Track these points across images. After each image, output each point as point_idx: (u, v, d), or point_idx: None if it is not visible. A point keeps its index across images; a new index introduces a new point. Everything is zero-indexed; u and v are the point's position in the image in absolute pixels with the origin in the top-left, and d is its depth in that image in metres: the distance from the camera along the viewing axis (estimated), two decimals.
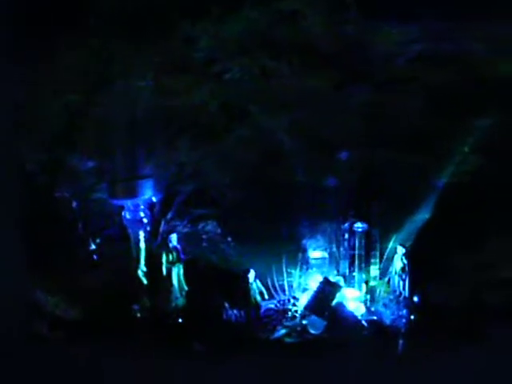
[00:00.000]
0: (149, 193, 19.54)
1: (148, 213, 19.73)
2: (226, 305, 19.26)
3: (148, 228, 19.88)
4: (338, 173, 20.33)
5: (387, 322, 19.13)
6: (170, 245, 19.37)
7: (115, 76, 18.91)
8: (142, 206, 19.55)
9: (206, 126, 19.81)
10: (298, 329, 18.78)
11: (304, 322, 18.89)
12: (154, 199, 19.75)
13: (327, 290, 19.32)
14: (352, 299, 19.65)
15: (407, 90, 19.58)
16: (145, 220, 19.60)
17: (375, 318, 19.22)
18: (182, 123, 19.81)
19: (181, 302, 19.36)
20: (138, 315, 18.94)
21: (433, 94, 19.60)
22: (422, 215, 20.30)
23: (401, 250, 19.54)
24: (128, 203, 19.49)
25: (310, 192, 20.24)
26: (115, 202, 19.47)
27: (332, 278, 20.02)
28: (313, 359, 17.34)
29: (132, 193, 19.27)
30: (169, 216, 20.31)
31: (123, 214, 19.65)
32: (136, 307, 18.83)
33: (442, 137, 19.86)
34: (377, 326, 18.90)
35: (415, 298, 19.20)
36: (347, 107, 19.62)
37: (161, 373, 16.50)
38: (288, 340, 18.45)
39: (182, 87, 19.28)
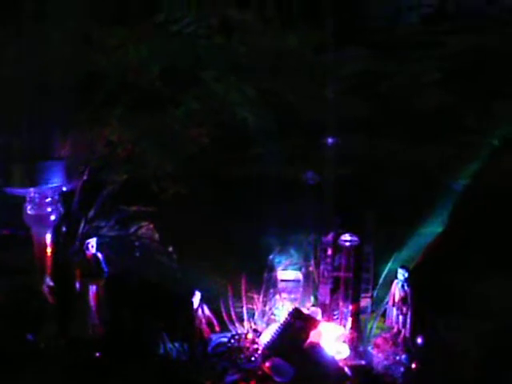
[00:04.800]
0: (57, 180, 14.87)
1: (60, 207, 15.21)
2: (164, 336, 15.00)
3: (62, 228, 15.54)
4: (319, 166, 15.84)
5: (379, 369, 14.74)
6: (88, 252, 14.90)
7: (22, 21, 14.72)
8: (50, 198, 14.98)
9: (143, 96, 15.54)
10: (259, 373, 14.36)
11: (266, 364, 14.42)
12: (64, 189, 15.22)
13: (298, 325, 14.83)
14: (332, 338, 15.13)
15: (420, 59, 15.44)
16: (53, 217, 15.00)
17: (363, 362, 14.90)
18: (111, 90, 15.48)
19: (100, 329, 15.01)
20: (41, 346, 14.59)
21: (453, 67, 15.44)
22: (432, 228, 16.01)
23: (402, 274, 15.01)
24: (31, 193, 14.94)
25: (280, 190, 15.76)
26: (11, 191, 14.83)
27: (306, 309, 15.66)
28: None
29: (32, 180, 14.60)
30: (90, 214, 15.97)
31: (25, 207, 14.98)
32: (31, 337, 14.57)
33: (463, 124, 15.70)
34: (365, 375, 14.56)
35: (419, 340, 14.78)
36: (335, 78, 15.39)
37: None
38: None
39: (112, 42, 15.18)
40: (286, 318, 15.34)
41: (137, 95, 15.60)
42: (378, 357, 15.23)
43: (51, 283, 15.22)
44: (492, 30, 15.25)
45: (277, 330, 15.27)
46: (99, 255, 15.32)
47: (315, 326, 15.24)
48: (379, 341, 15.54)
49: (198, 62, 15.44)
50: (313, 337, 15.09)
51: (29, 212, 14.97)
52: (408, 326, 15.31)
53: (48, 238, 15.09)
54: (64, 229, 15.71)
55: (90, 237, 15.58)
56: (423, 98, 15.57)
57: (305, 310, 15.84)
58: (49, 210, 14.98)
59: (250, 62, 15.30)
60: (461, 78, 15.36)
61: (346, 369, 14.70)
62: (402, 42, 15.43)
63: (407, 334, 15.35)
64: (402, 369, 14.71)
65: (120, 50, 15.31)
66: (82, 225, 15.99)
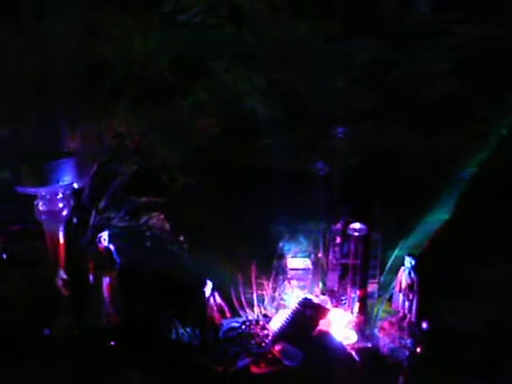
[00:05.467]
0: (68, 178, 14.62)
1: (71, 202, 14.97)
2: (176, 323, 15.19)
3: (73, 221, 15.45)
4: (329, 155, 15.78)
5: (385, 351, 15.08)
6: (100, 245, 14.98)
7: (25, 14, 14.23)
8: (61, 195, 14.71)
9: (152, 87, 15.14)
10: (269, 357, 14.65)
11: (276, 348, 14.71)
12: (75, 186, 14.94)
13: (308, 314, 15.12)
14: (341, 324, 15.38)
15: (430, 49, 14.72)
16: (64, 212, 14.86)
17: (369, 345, 15.19)
18: (119, 82, 15.08)
19: (114, 319, 15.19)
20: (56, 337, 14.77)
21: (464, 57, 14.73)
22: (440, 215, 15.81)
23: (409, 262, 15.13)
24: (41, 191, 14.78)
25: (290, 180, 15.64)
26: (22, 190, 14.59)
27: (315, 297, 15.84)
28: None
29: (43, 179, 14.37)
30: (101, 205, 15.85)
31: (36, 204, 14.85)
32: (46, 328, 14.79)
33: (473, 114, 15.26)
34: (371, 357, 14.85)
35: (424, 325, 14.92)
36: (346, 67, 14.91)
37: None
38: (255, 371, 14.35)
39: (117, 32, 14.55)
40: (296, 307, 15.61)
41: (144, 86, 15.15)
42: (384, 340, 15.46)
43: (65, 276, 15.18)
44: (504, 20, 14.96)
45: (287, 319, 15.51)
46: (111, 247, 15.34)
47: (325, 315, 15.47)
48: (385, 324, 15.78)
49: (206, 53, 14.88)
50: (322, 325, 15.32)
51: (40, 208, 14.84)
52: (414, 311, 15.45)
53: (60, 231, 14.97)
54: (75, 221, 15.58)
55: (102, 228, 15.58)
56: (433, 87, 15.07)
57: (314, 299, 16.02)
58: (60, 205, 14.82)
59: (260, 51, 14.76)
60: (471, 68, 14.90)
61: (354, 353, 14.95)
62: (413, 31, 14.73)
63: (413, 319, 15.51)
64: (406, 352, 14.91)
65: (126, 40, 14.64)
66: (93, 216, 15.84)
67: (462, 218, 15.80)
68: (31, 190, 14.64)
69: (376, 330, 15.64)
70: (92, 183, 15.71)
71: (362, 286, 15.78)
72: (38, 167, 14.43)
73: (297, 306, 15.47)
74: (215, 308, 15.62)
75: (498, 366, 14.47)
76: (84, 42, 14.66)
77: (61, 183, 14.57)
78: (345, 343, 15.12)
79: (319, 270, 16.30)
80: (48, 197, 14.74)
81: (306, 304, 15.41)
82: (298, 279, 16.34)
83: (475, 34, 14.66)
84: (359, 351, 14.97)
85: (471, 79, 14.92)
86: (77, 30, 14.54)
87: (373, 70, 15.13)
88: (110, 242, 15.31)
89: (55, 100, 14.68)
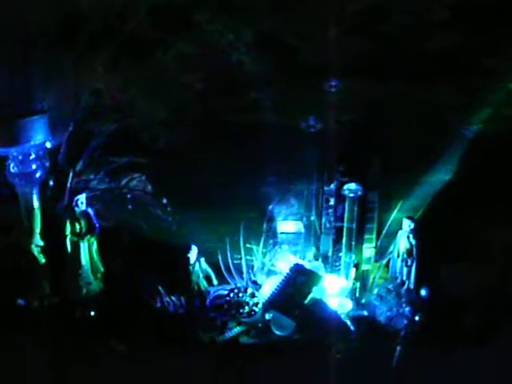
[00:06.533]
0: (40, 136, 13.61)
1: (45, 163, 14.05)
2: (161, 290, 14.38)
3: (49, 184, 14.51)
4: (322, 111, 14.56)
5: (381, 319, 14.24)
6: (77, 209, 14.02)
7: None
8: (34, 155, 13.73)
9: (131, 40, 14.07)
10: (259, 326, 13.98)
11: (267, 317, 14.02)
12: (48, 145, 14.00)
13: (300, 280, 14.28)
14: (335, 291, 14.61)
15: None
16: (38, 174, 13.88)
17: (365, 313, 14.40)
18: (96, 34, 14.02)
19: (94, 288, 14.39)
20: (33, 307, 14.06)
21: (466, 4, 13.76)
22: (440, 176, 15.02)
23: (408, 225, 14.27)
24: (12, 151, 13.78)
25: (280, 137, 14.67)
26: None
27: (308, 263, 14.98)
28: (278, 367, 12.97)
29: (14, 138, 13.32)
30: (78, 167, 14.90)
31: (7, 165, 13.89)
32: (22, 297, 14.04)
33: (477, 67, 14.19)
34: (366, 325, 14.12)
35: (423, 292, 14.31)
36: (339, 16, 13.83)
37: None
38: (244, 340, 13.75)
39: None
40: (288, 273, 14.73)
41: (123, 39, 14.08)
42: (381, 308, 14.61)
43: (40, 242, 14.35)
44: None
45: (278, 286, 14.66)
46: (89, 211, 14.37)
47: (317, 282, 14.62)
48: (382, 292, 14.92)
49: (189, 2, 13.90)
50: (315, 292, 14.48)
51: (12, 170, 13.86)
52: (412, 277, 14.68)
53: (34, 195, 14.01)
54: (51, 184, 14.65)
55: (79, 191, 14.65)
56: (433, 37, 14.11)
57: (307, 265, 15.18)
58: (33, 167, 13.81)
59: (247, 1, 13.91)
60: (474, 17, 14.17)
61: (349, 322, 14.15)
62: None
63: (411, 286, 14.75)
64: (405, 321, 14.10)
65: None
66: (70, 179, 14.89)
67: (465, 178, 14.96)
68: (1, 151, 13.63)
69: (372, 298, 14.74)
70: (68, 143, 14.72)
71: (358, 250, 14.86)
72: (7, 125, 13.32)
73: (288, 272, 14.61)
74: (201, 275, 14.75)
75: (499, 333, 13.73)
76: None
77: (32, 143, 13.56)
78: (339, 312, 14.28)
79: (312, 233, 15.36)
80: (20, 158, 13.66)
81: (297, 270, 14.54)
82: (289, 243, 15.55)
83: None
84: (355, 320, 14.16)
85: (474, 28, 14.13)
86: None
87: (369, 19, 14.08)
88: (88, 205, 14.34)
89: (27, 53, 13.64)
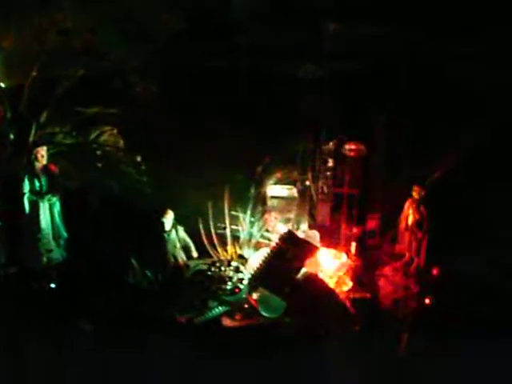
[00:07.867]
0: None
1: (3, 111, 12.91)
2: (133, 263, 13.07)
3: (7, 137, 13.13)
4: (320, 58, 13.45)
5: (386, 302, 13.21)
6: (38, 164, 12.79)
7: None
8: None
9: None
10: (244, 306, 12.62)
11: (254, 296, 12.66)
12: (2, 85, 12.76)
13: (291, 251, 12.77)
14: (332, 267, 13.36)
15: None
16: None
17: (368, 296, 13.20)
18: None
19: (56, 256, 13.06)
20: None
21: None
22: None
23: (418, 193, 13.34)
24: None
25: (273, 87, 13.50)
26: None
27: (301, 232, 13.87)
28: (265, 353, 11.54)
29: None
30: (42, 118, 13.42)
31: None
32: None
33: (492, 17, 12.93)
34: (369, 309, 12.90)
35: (434, 271, 13.35)
36: None
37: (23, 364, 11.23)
38: (227, 323, 12.36)
39: None
40: (277, 243, 13.26)
41: None
42: (386, 289, 13.69)
43: None
44: None
45: (266, 258, 13.19)
46: (53, 167, 13.19)
47: (312, 253, 13.23)
48: (388, 270, 13.96)
49: None
50: (309, 266, 13.14)
51: None
52: (422, 253, 13.73)
53: None
54: (11, 137, 13.28)
55: (41, 145, 13.32)
56: None
57: (300, 234, 13.97)
58: None
59: None
60: None
61: (348, 304, 12.93)
62: None
63: (421, 264, 13.80)
64: (413, 304, 13.39)
65: None
66: (33, 131, 13.51)
67: (481, 141, 13.52)
68: None
69: (376, 277, 13.74)
70: (31, 90, 13.32)
71: (360, 221, 13.94)
72: None
73: (277, 241, 13.12)
74: (178, 244, 13.50)
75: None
76: None
77: None
78: (337, 291, 13.06)
79: (307, 200, 14.30)
80: None
81: (288, 239, 13.00)
82: (280, 211, 14.32)
83: None
84: (355, 302, 12.95)
85: None
86: None
87: None
88: (53, 161, 13.16)
89: None
